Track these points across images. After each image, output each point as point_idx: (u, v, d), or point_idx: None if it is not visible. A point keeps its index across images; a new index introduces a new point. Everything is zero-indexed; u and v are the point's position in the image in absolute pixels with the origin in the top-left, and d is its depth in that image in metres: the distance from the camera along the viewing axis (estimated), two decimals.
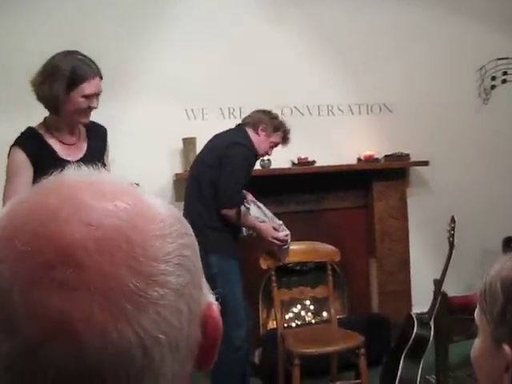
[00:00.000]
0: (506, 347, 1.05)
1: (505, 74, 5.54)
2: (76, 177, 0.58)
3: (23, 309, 0.50)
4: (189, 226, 0.60)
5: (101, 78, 2.85)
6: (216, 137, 3.96)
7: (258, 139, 3.92)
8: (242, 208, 3.79)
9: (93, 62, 2.84)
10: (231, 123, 4.15)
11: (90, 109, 2.85)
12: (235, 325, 3.62)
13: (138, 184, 0.60)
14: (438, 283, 3.95)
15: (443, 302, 4.02)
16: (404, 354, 3.78)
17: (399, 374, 3.72)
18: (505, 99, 5.52)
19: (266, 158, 4.63)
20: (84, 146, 2.97)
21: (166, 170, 4.69)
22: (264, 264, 4.06)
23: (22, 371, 0.50)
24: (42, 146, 2.84)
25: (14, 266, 0.51)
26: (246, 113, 4.14)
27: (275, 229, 3.94)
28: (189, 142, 4.61)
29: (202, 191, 3.77)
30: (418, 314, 3.95)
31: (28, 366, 0.49)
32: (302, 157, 4.91)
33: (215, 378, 3.68)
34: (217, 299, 0.62)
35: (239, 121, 4.14)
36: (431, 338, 3.81)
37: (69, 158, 2.86)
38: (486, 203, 5.40)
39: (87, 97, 2.80)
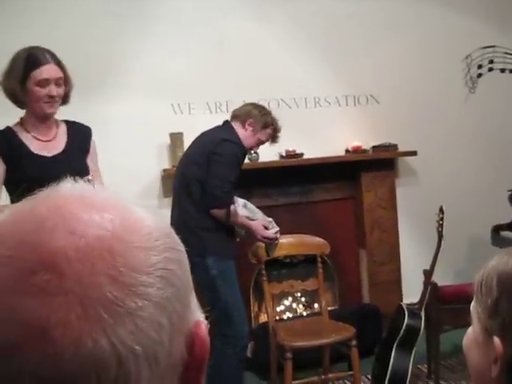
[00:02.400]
0: (496, 340, 1.07)
1: (491, 62, 5.55)
2: (69, 189, 0.59)
3: (1, 313, 0.50)
4: (178, 242, 0.60)
5: (58, 65, 2.84)
6: (203, 134, 3.84)
7: (244, 134, 3.79)
8: (232, 207, 3.69)
9: (49, 51, 2.84)
10: (218, 118, 4.12)
11: (51, 98, 2.83)
12: (240, 323, 3.63)
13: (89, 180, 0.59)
14: (428, 273, 3.97)
15: (433, 292, 4.04)
16: (396, 344, 3.79)
17: (391, 364, 3.74)
18: (491, 88, 5.53)
19: (253, 151, 4.61)
20: (62, 143, 2.96)
21: (154, 166, 4.67)
22: (253, 258, 4.06)
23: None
24: (14, 143, 2.86)
25: None
26: (233, 107, 4.08)
27: (265, 227, 3.85)
28: (176, 137, 4.59)
29: (190, 190, 3.66)
30: (408, 305, 3.96)
31: (4, 370, 0.49)
32: (290, 149, 4.90)
33: (216, 378, 3.55)
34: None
35: (226, 115, 4.10)
36: (422, 328, 3.83)
37: (43, 154, 2.87)
38: (474, 192, 5.42)
39: (41, 84, 2.79)
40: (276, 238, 3.90)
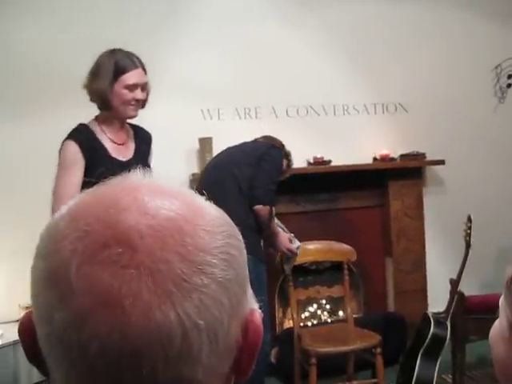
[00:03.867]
0: None
1: None
2: (139, 177, 0.64)
3: (77, 282, 0.54)
4: (238, 232, 0.63)
5: (144, 70, 2.94)
6: (243, 143, 3.96)
7: None
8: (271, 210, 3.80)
9: (135, 55, 2.94)
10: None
11: (136, 101, 2.92)
12: (265, 329, 3.63)
13: None
14: (455, 283, 3.95)
15: (460, 302, 4.02)
16: (421, 354, 3.78)
17: (416, 373, 3.72)
18: None
19: None
20: (132, 147, 3.03)
21: (183, 170, 4.71)
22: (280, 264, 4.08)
23: (70, 341, 0.53)
24: (94, 142, 2.90)
25: (74, 243, 0.55)
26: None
27: (289, 240, 3.99)
28: (205, 142, 4.63)
29: (239, 189, 3.70)
30: (434, 314, 3.95)
31: (75, 336, 0.53)
32: (318, 156, 4.92)
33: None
34: (260, 308, 0.64)
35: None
36: (448, 338, 3.81)
37: (119, 158, 2.93)
38: (502, 202, 5.38)
39: (130, 88, 2.87)
40: (296, 254, 4.00)
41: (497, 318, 1.15)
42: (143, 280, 0.53)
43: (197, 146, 4.68)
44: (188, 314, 0.54)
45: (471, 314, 4.08)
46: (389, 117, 5.24)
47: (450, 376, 4.24)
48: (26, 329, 0.59)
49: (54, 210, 2.75)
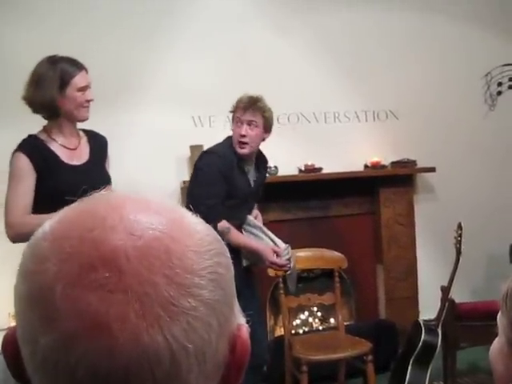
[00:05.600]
0: None
1: (511, 79, 5.55)
2: (123, 192, 0.63)
3: (64, 305, 0.53)
4: (225, 248, 0.63)
5: (86, 71, 2.95)
6: None
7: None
8: (225, 225, 3.42)
9: (73, 59, 2.94)
10: None
11: (87, 102, 2.94)
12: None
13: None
14: (446, 290, 3.96)
15: (451, 309, 4.03)
16: (412, 361, 3.78)
17: (407, 380, 3.73)
18: (511, 105, 5.53)
19: (272, 165, 4.62)
20: (86, 151, 3.03)
21: (174, 178, 4.70)
22: (272, 272, 4.06)
23: (57, 363, 0.53)
24: (44, 152, 2.90)
25: (59, 265, 0.55)
26: None
27: (276, 252, 3.59)
28: (196, 150, 4.62)
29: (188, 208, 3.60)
30: (425, 321, 3.95)
31: (63, 359, 0.53)
32: (309, 164, 4.92)
33: None
34: (247, 322, 0.64)
35: None
36: (439, 345, 3.82)
37: (73, 163, 2.94)
38: (492, 209, 5.40)
39: (82, 90, 2.90)
40: (285, 266, 3.62)
41: (487, 325, 1.16)
42: (131, 304, 0.53)
43: (188, 153, 4.67)
44: (176, 337, 0.54)
45: (462, 320, 4.09)
46: (380, 124, 5.25)
47: (442, 383, 4.25)
48: (10, 346, 0.59)
49: (8, 225, 2.82)
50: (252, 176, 3.73)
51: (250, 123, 3.56)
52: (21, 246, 0.68)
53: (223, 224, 3.40)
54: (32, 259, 0.57)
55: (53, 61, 2.89)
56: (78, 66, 2.92)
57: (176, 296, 0.54)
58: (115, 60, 4.50)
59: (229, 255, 0.63)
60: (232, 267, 0.62)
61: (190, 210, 0.64)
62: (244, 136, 3.54)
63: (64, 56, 2.94)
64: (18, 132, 2.99)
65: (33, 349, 0.55)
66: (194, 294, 0.55)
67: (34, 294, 0.55)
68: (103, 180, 2.86)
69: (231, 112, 3.67)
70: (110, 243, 0.55)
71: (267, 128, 3.63)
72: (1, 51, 4.36)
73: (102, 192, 0.62)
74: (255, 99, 3.59)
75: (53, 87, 2.84)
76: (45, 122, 2.99)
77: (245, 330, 0.62)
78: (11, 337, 0.59)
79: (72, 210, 0.60)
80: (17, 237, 2.76)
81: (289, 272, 3.73)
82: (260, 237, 3.70)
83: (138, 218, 0.57)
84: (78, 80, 2.89)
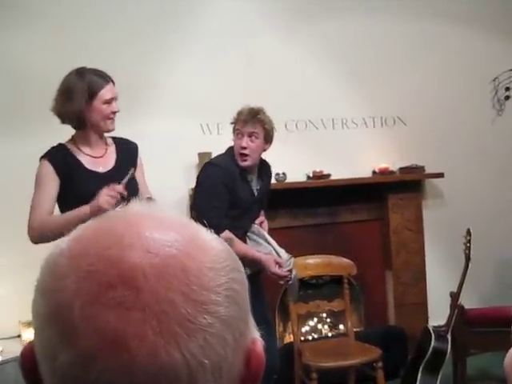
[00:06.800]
0: None
1: None
2: (139, 209, 0.63)
3: (82, 323, 0.54)
4: (240, 263, 0.64)
5: (113, 83, 3.06)
6: None
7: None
8: (228, 235, 3.41)
9: (102, 71, 3.05)
10: None
11: (113, 114, 3.05)
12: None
13: (150, 198, 0.63)
14: (455, 296, 3.95)
15: (460, 315, 4.02)
16: (422, 367, 3.78)
17: None
18: None
19: (281, 171, 4.63)
20: (112, 159, 3.13)
21: (182, 185, 4.71)
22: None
23: (76, 380, 0.54)
24: (68, 158, 3.04)
25: (77, 283, 0.55)
26: None
27: (278, 263, 3.62)
28: (204, 157, 4.63)
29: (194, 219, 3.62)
30: (435, 327, 3.94)
31: (81, 376, 0.53)
32: (317, 170, 4.92)
33: None
34: (262, 336, 0.64)
35: None
36: (449, 351, 3.81)
37: (97, 170, 3.05)
38: (501, 215, 5.39)
39: (108, 102, 3.00)
40: (286, 277, 3.67)
41: (497, 331, 1.16)
42: (148, 321, 0.53)
43: (196, 160, 4.68)
44: (193, 354, 0.54)
45: (472, 327, 4.07)
46: (387, 130, 5.25)
47: None
48: (28, 361, 0.60)
49: (30, 227, 2.96)
50: (255, 185, 3.77)
51: (250, 135, 3.62)
52: (30, 258, 0.69)
53: (226, 234, 3.42)
54: (50, 276, 0.58)
55: (81, 73, 2.98)
56: (105, 79, 3.01)
57: (193, 313, 0.55)
58: (125, 70, 4.50)
59: (242, 270, 0.63)
60: (246, 282, 0.63)
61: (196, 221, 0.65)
62: (245, 148, 3.60)
63: (92, 68, 3.03)
64: (45, 141, 3.08)
65: (52, 365, 0.55)
66: (210, 310, 0.56)
67: (52, 311, 0.56)
68: (128, 187, 2.92)
69: (232, 124, 3.71)
70: (129, 261, 0.55)
71: (268, 139, 3.68)
72: (17, 61, 4.39)
73: (119, 209, 0.63)
74: (256, 111, 3.63)
75: (81, 99, 2.94)
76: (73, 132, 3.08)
77: (259, 344, 0.63)
78: (29, 351, 0.59)
79: (89, 228, 0.61)
80: (36, 238, 2.91)
81: (290, 282, 3.76)
82: (264, 246, 3.73)
83: (154, 236, 0.58)
84: (105, 92, 2.99)
